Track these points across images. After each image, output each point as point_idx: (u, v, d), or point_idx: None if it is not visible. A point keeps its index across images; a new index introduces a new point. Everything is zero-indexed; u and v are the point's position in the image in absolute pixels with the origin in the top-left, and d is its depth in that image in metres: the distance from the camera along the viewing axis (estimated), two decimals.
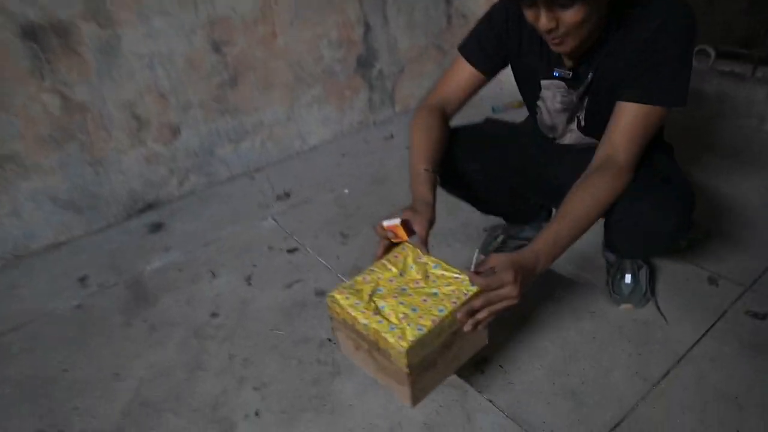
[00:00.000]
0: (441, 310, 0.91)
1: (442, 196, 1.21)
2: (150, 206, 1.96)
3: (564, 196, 0.99)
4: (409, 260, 1.02)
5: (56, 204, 1.77)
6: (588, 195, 0.97)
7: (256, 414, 1.16)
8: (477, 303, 0.90)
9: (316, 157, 2.21)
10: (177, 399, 1.21)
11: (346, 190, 1.95)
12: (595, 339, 1.25)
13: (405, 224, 1.00)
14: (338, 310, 0.97)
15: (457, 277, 0.97)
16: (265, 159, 2.17)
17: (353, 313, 0.93)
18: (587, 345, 1.24)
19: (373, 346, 0.95)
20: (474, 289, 0.93)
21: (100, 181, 1.83)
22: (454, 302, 0.92)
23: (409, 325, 0.89)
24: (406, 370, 0.90)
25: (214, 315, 1.46)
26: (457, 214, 1.67)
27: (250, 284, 1.55)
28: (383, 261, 1.02)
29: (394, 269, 1.00)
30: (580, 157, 1.07)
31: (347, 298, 0.96)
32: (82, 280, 1.63)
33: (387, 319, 0.91)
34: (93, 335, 1.41)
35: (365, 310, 0.93)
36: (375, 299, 0.95)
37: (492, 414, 1.10)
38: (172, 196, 2.00)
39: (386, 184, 1.97)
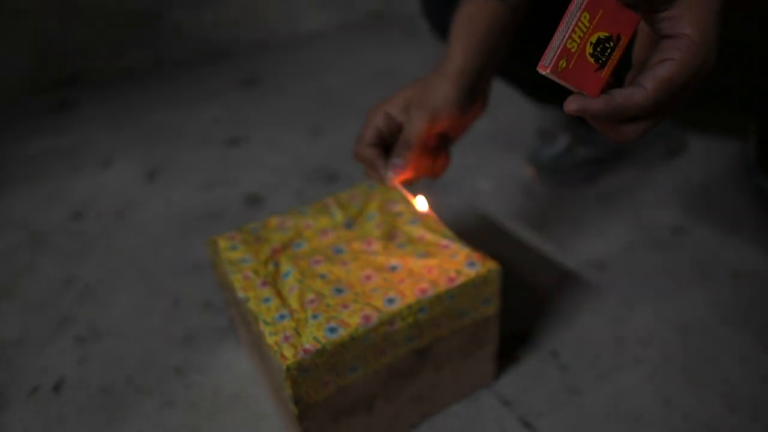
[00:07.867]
0: (391, 301, 0.45)
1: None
2: (68, 81, 1.41)
3: None
4: (372, 205, 0.57)
5: None
6: None
7: (56, 389, 0.59)
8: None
9: (311, 44, 1.61)
10: None
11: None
12: None
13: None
14: (218, 264, 0.54)
15: (446, 246, 0.51)
16: (237, 38, 1.58)
17: (230, 277, 0.49)
18: None
19: (259, 345, 0.48)
20: (472, 272, 0.47)
21: None
22: (426, 290, 0.46)
23: (314, 318, 0.44)
24: (293, 407, 0.43)
25: (76, 217, 0.89)
26: (496, 114, 1.05)
27: (151, 181, 0.98)
28: (328, 199, 0.58)
29: (338, 215, 0.56)
30: None
31: (234, 247, 0.52)
32: None
33: (281, 299, 0.46)
34: None
35: (252, 275, 0.49)
36: (280, 259, 0.51)
37: None
38: (100, 73, 1.44)
39: (394, 79, 1.35)
